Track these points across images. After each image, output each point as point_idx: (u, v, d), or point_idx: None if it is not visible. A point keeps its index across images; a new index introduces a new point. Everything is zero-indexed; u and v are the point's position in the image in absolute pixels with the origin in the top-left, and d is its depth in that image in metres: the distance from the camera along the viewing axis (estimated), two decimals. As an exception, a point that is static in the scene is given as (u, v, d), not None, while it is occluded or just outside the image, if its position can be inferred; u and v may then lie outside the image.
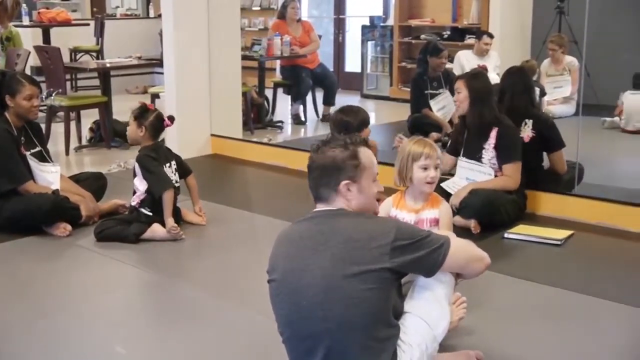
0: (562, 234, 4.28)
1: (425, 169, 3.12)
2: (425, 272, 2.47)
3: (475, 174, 4.47)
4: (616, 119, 7.52)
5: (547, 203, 4.74)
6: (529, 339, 3.04)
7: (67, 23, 9.59)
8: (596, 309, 3.36)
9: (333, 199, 2.44)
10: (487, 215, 4.31)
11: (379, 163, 2.62)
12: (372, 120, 7.13)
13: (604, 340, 3.04)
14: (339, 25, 11.33)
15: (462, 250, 2.54)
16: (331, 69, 9.73)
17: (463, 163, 4.56)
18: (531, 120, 4.73)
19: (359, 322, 2.30)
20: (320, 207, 2.47)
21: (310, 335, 2.35)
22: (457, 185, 4.49)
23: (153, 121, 4.36)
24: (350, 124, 4.04)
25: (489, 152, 4.45)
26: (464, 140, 4.60)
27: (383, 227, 2.38)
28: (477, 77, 4.62)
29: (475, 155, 4.50)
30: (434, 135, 6.54)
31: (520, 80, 4.88)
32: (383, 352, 2.34)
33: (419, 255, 2.36)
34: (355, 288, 2.28)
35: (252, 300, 3.35)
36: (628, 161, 6.45)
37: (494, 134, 4.43)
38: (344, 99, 8.10)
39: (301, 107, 8.38)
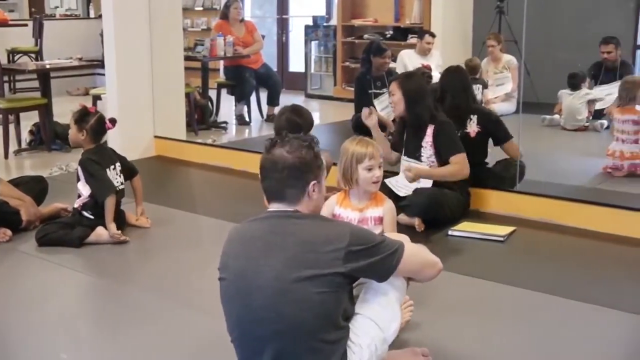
0: (505, 230, 4.35)
1: (370, 169, 3.13)
2: (379, 277, 2.47)
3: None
4: (556, 116, 7.67)
5: (490, 200, 4.81)
6: (474, 334, 3.08)
7: (4, 23, 9.38)
8: (538, 303, 3.42)
9: (299, 199, 2.41)
10: (432, 213, 4.36)
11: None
12: (317, 120, 7.14)
13: (545, 333, 3.09)
14: (282, 25, 11.33)
15: (415, 255, 2.55)
16: (275, 69, 9.73)
17: (405, 162, 4.62)
18: (475, 116, 4.81)
19: (309, 324, 2.29)
20: (275, 207, 2.44)
21: (260, 337, 2.34)
22: (400, 184, 4.52)
23: (94, 124, 4.29)
24: (301, 127, 4.05)
25: (427, 150, 4.49)
26: (404, 140, 4.65)
27: (338, 231, 2.36)
28: (410, 78, 4.66)
29: (415, 154, 4.54)
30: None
31: (459, 79, 4.95)
32: (333, 354, 2.34)
33: (373, 260, 2.36)
34: (307, 291, 2.27)
35: (200, 301, 3.33)
36: (568, 158, 6.57)
37: (429, 131, 4.48)
38: (288, 99, 8.08)
39: (245, 107, 8.36)
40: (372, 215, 3.19)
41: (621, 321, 3.22)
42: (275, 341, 2.32)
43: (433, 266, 2.62)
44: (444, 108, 4.72)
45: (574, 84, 7.54)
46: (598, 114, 7.49)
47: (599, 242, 4.25)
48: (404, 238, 2.67)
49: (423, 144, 4.49)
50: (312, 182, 2.42)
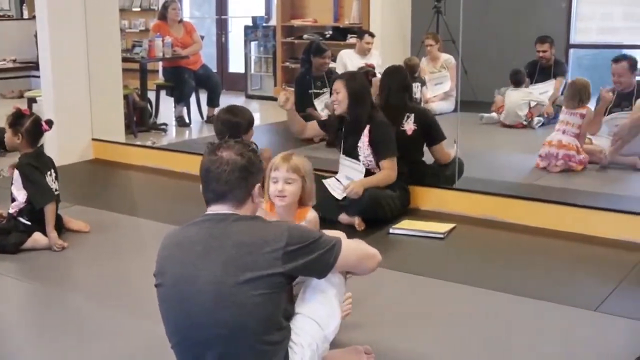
0: (444, 227, 4.41)
1: (275, 182, 3.05)
2: (318, 274, 2.47)
3: (353, 171, 4.54)
4: (493, 114, 7.79)
5: (430, 198, 4.87)
6: (415, 331, 3.11)
7: None
8: (478, 299, 3.47)
9: (243, 201, 2.40)
10: (372, 212, 4.39)
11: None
12: (257, 121, 7.11)
13: (485, 328, 3.14)
14: (222, 26, 11.27)
15: (353, 249, 2.56)
16: (214, 70, 9.66)
17: (343, 161, 4.64)
18: (412, 114, 4.86)
19: (251, 327, 2.28)
20: (214, 209, 2.40)
21: (201, 342, 2.32)
22: (337, 185, 4.55)
23: (29, 127, 4.20)
24: (240, 125, 4.05)
25: (363, 149, 4.52)
26: (342, 138, 4.67)
27: (275, 231, 2.34)
28: (355, 78, 4.69)
29: (352, 153, 4.57)
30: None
31: (398, 78, 5.00)
32: (275, 355, 2.34)
33: (311, 258, 2.35)
34: (247, 294, 2.25)
35: (141, 306, 3.29)
36: (506, 155, 6.68)
37: (366, 131, 4.51)
38: (228, 100, 8.05)
39: (185, 108, 8.28)
40: None
41: (560, 314, 3.29)
42: (217, 346, 2.30)
43: (372, 258, 2.61)
44: (383, 106, 4.77)
45: (517, 80, 7.67)
46: (537, 114, 7.63)
47: (537, 238, 4.34)
48: (340, 234, 2.69)
49: (360, 144, 4.52)
50: (257, 185, 2.43)
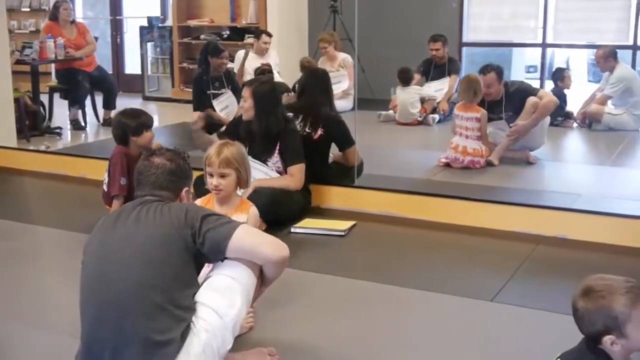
0: (345, 224, 4.45)
1: (211, 175, 3.15)
2: (216, 247, 2.46)
3: (261, 174, 4.51)
4: (391, 112, 7.92)
5: (331, 196, 4.91)
6: (321, 329, 3.13)
7: None
8: (378, 294, 3.53)
9: (174, 202, 2.61)
10: (273, 213, 4.37)
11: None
12: (156, 123, 7.00)
13: (384, 322, 3.20)
14: (116, 27, 11.05)
15: (250, 233, 2.58)
16: (110, 72, 9.46)
17: (252, 163, 4.62)
18: (322, 121, 4.88)
19: (161, 285, 2.37)
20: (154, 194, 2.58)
21: (114, 301, 2.36)
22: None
23: None
24: (128, 126, 4.04)
25: (273, 156, 4.54)
26: (249, 142, 4.65)
27: (179, 208, 2.50)
28: (264, 86, 4.60)
29: (261, 158, 4.55)
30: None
31: (319, 81, 5.04)
32: (177, 323, 2.36)
33: (210, 226, 2.45)
34: (161, 251, 2.40)
35: (38, 316, 3.19)
36: (404, 152, 6.80)
37: (278, 139, 4.51)
38: (125, 102, 7.92)
39: (80, 111, 8.08)
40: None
41: (459, 306, 3.38)
42: (126, 304, 2.35)
43: (273, 245, 2.58)
44: (299, 107, 4.87)
45: (406, 78, 7.80)
46: (431, 109, 7.80)
47: (436, 232, 4.44)
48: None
49: (270, 150, 4.52)
50: (185, 189, 2.67)
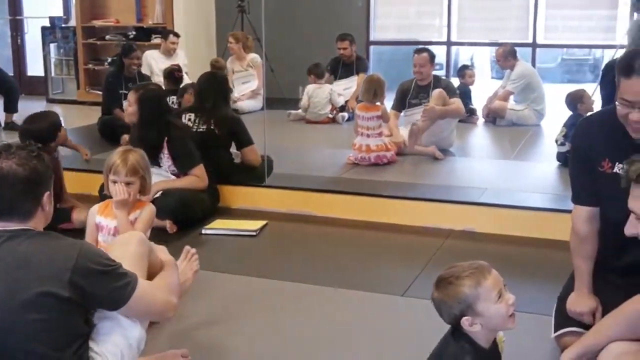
0: (256, 224, 4.44)
1: (114, 182, 3.14)
2: (107, 308, 2.22)
3: (160, 177, 4.43)
4: (300, 111, 7.93)
5: (240, 196, 4.89)
6: (236, 329, 3.11)
7: None
8: (291, 292, 3.53)
9: (32, 214, 2.17)
10: (182, 214, 4.34)
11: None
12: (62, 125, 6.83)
13: (298, 320, 3.20)
14: (16, 27, 10.72)
15: (146, 294, 2.29)
16: (11, 74, 9.17)
17: None
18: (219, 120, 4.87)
19: (39, 352, 2.06)
20: (2, 226, 2.14)
21: None
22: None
23: None
24: (41, 132, 4.00)
25: (164, 160, 4.49)
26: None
27: (66, 249, 2.13)
28: (149, 94, 4.52)
29: (152, 162, 4.47)
30: (125, 137, 6.44)
31: (214, 84, 5.03)
32: None
33: (102, 287, 2.14)
34: (33, 318, 2.04)
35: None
36: (314, 150, 6.81)
37: (165, 144, 4.46)
38: (27, 105, 7.71)
39: (-22, 116, 7.81)
40: (130, 219, 3.22)
41: (371, 302, 3.42)
42: None
43: (164, 305, 2.39)
44: (198, 108, 4.89)
45: (318, 72, 7.84)
46: (340, 108, 7.86)
47: (347, 229, 4.47)
48: (161, 249, 2.67)
49: (161, 155, 4.48)
50: (46, 194, 2.21)
